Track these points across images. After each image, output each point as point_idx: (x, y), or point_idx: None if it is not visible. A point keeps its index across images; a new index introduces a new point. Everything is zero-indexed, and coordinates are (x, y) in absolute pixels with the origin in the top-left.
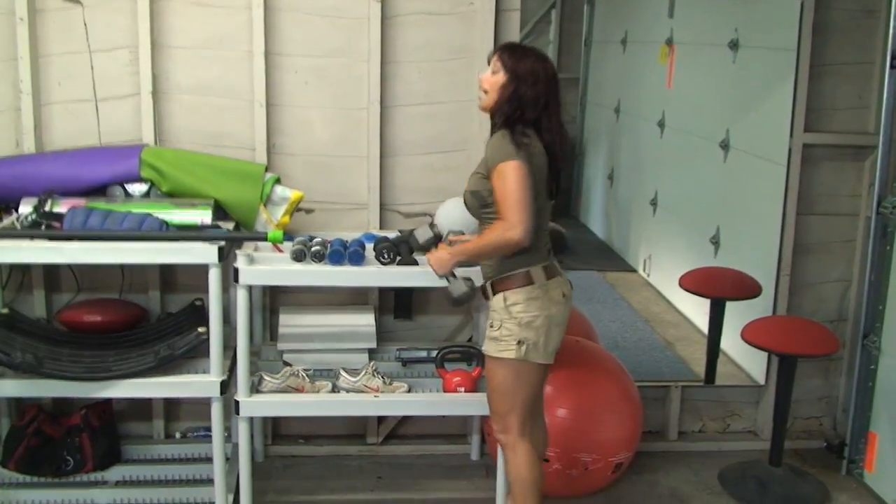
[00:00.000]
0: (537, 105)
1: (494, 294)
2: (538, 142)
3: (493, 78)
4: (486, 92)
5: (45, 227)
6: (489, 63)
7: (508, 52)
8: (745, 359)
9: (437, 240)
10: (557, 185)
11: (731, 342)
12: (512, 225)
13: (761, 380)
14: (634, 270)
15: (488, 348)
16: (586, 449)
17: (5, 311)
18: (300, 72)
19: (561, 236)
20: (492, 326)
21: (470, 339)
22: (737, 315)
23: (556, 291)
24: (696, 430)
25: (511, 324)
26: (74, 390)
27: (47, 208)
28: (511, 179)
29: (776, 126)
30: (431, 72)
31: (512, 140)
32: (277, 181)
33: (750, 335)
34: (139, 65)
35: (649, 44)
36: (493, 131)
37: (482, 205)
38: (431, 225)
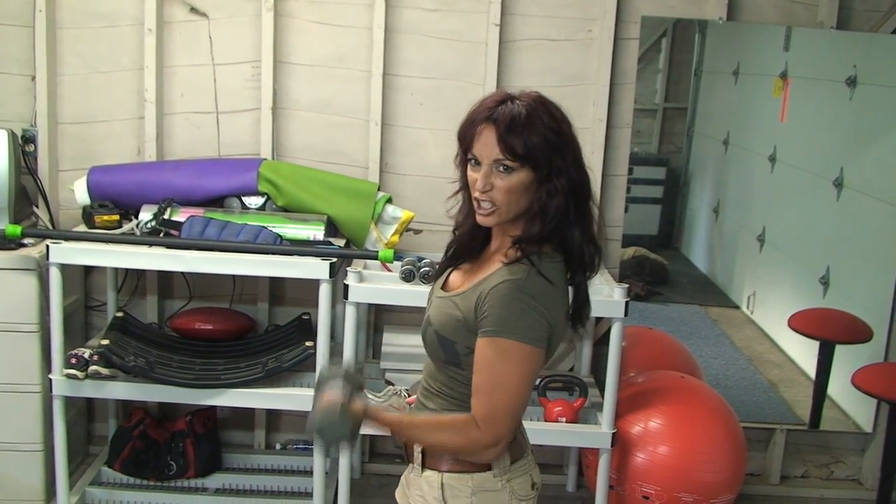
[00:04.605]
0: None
1: (425, 470)
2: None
3: (506, 182)
4: (493, 204)
5: (164, 234)
6: (469, 147)
7: (510, 130)
8: (851, 404)
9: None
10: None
11: (837, 386)
12: (487, 437)
13: (868, 427)
14: (738, 307)
15: None
16: (688, 489)
17: (120, 314)
18: (416, 93)
19: (662, 268)
20: None
21: (572, 369)
22: (844, 359)
23: (523, 481)
24: (798, 476)
25: None
26: (183, 396)
27: (166, 216)
28: (516, 369)
29: (895, 167)
30: None
31: (543, 299)
32: (389, 200)
33: (861, 381)
34: (261, 80)
35: (763, 76)
36: (495, 244)
37: (451, 362)
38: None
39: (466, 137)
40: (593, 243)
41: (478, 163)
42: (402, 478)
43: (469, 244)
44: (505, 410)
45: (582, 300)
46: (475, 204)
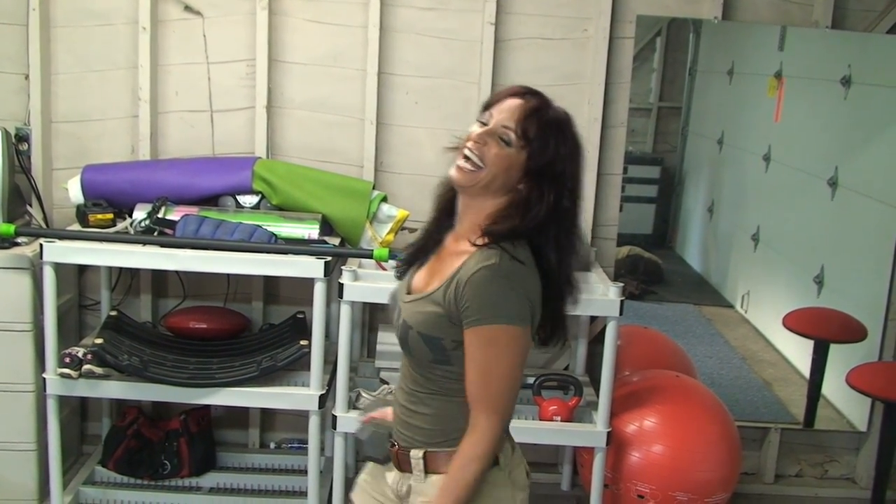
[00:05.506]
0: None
1: (429, 475)
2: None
3: (499, 150)
4: (478, 163)
5: (158, 233)
6: (489, 107)
7: (533, 115)
8: (845, 403)
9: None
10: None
11: (831, 385)
12: (496, 429)
13: (862, 426)
14: (732, 306)
15: None
16: (683, 488)
17: (114, 313)
18: (411, 92)
19: (657, 267)
20: None
21: (567, 368)
22: (839, 358)
23: (520, 471)
24: (792, 475)
25: None
26: (177, 396)
27: (161, 215)
28: (507, 352)
29: (889, 166)
30: None
31: (519, 279)
32: (384, 199)
33: (856, 380)
34: (255, 78)
35: (757, 76)
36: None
37: (439, 360)
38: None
39: (493, 101)
40: (569, 283)
41: (486, 124)
42: (362, 482)
43: (447, 209)
44: (505, 395)
45: (557, 324)
46: (461, 157)
